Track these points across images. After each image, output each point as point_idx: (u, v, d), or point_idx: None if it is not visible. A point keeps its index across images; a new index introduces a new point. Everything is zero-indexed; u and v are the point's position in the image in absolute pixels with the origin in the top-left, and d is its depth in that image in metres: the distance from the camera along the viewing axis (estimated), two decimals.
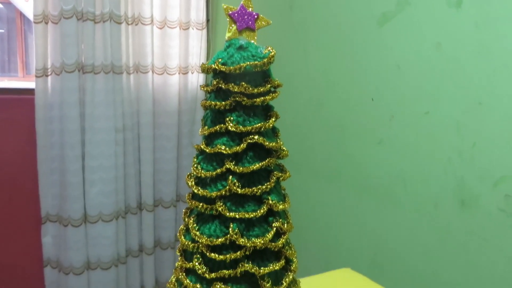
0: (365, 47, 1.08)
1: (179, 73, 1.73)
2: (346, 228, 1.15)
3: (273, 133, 0.36)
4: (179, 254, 0.37)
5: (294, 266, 0.38)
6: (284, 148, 0.36)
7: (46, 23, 1.46)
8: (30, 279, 1.68)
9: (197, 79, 1.77)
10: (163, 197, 1.78)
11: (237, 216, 0.33)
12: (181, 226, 0.38)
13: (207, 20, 1.78)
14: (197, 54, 1.76)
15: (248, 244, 0.33)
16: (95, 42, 1.49)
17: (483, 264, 0.85)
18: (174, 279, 0.39)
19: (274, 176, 0.35)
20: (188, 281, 0.35)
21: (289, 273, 0.37)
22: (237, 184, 0.33)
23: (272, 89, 0.35)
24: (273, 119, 0.35)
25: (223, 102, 0.33)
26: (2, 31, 1.86)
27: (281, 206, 0.35)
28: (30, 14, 1.69)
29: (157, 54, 1.67)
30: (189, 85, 1.76)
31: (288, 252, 0.37)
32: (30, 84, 1.61)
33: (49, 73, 1.49)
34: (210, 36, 1.80)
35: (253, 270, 0.34)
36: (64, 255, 1.57)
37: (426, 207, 0.95)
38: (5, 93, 1.58)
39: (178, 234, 0.37)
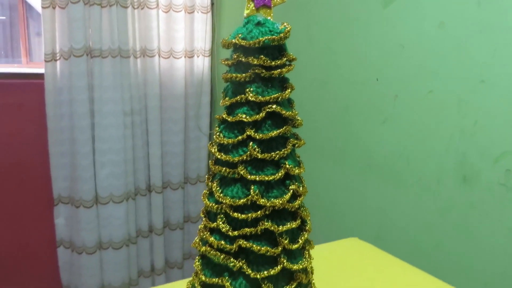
0: (370, 27, 1.10)
1: (185, 57, 1.75)
2: (351, 205, 1.19)
3: (289, 103, 0.39)
4: (202, 216, 0.41)
5: (308, 226, 0.41)
6: (298, 118, 0.39)
7: (54, 8, 1.48)
8: (44, 259, 1.73)
9: (202, 62, 1.80)
10: (171, 179, 1.82)
11: (257, 179, 0.37)
12: (204, 191, 0.41)
13: (212, 4, 1.79)
14: (202, 38, 1.77)
15: (268, 204, 0.37)
16: (102, 26, 1.51)
17: (483, 236, 0.89)
18: (198, 239, 0.42)
19: (290, 143, 0.38)
20: (212, 239, 0.38)
21: (304, 232, 0.40)
22: (257, 149, 0.36)
23: (288, 62, 0.38)
24: (289, 90, 0.38)
25: (243, 74, 0.36)
26: (4, 18, 1.87)
27: (297, 171, 0.39)
28: (32, 0, 1.71)
29: (163, 38, 1.69)
30: (195, 68, 1.78)
31: (303, 213, 0.40)
32: (39, 69, 1.64)
33: (57, 58, 1.52)
34: (215, 19, 1.81)
35: (272, 228, 0.37)
36: (77, 235, 1.62)
37: (429, 183, 0.98)
38: (15, 78, 1.61)
39: (202, 197, 0.40)
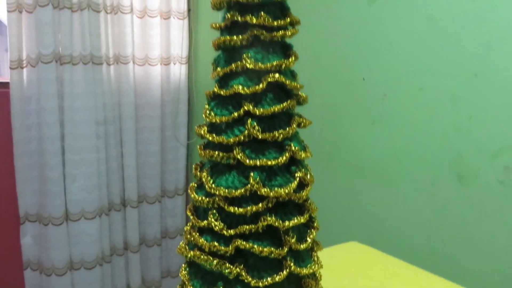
0: (355, 25, 1.07)
1: (161, 64, 1.70)
2: (342, 209, 1.14)
3: (292, 76, 0.33)
4: (190, 214, 0.34)
5: (316, 223, 0.35)
6: (303, 94, 0.33)
7: (20, 12, 1.40)
8: (10, 283, 1.61)
9: (179, 70, 1.74)
10: (148, 192, 1.74)
11: (257, 164, 0.30)
12: (192, 184, 0.34)
13: (189, 10, 1.74)
14: (179, 44, 1.72)
15: (271, 194, 0.30)
16: (73, 31, 1.44)
17: (483, 237, 0.85)
18: (183, 243, 0.35)
19: (295, 121, 0.32)
20: (203, 240, 0.31)
21: (313, 230, 0.34)
22: (257, 128, 0.30)
23: (291, 26, 0.32)
24: (293, 58, 0.31)
25: (240, 37, 0.30)
26: None
27: (303, 155, 0.32)
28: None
29: (137, 44, 1.63)
30: (171, 76, 1.73)
31: (311, 206, 0.34)
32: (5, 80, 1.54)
33: (24, 65, 1.43)
34: (192, 25, 1.76)
35: (276, 224, 0.30)
36: (46, 255, 1.51)
37: (423, 185, 0.94)
38: None
39: (189, 191, 0.33)
